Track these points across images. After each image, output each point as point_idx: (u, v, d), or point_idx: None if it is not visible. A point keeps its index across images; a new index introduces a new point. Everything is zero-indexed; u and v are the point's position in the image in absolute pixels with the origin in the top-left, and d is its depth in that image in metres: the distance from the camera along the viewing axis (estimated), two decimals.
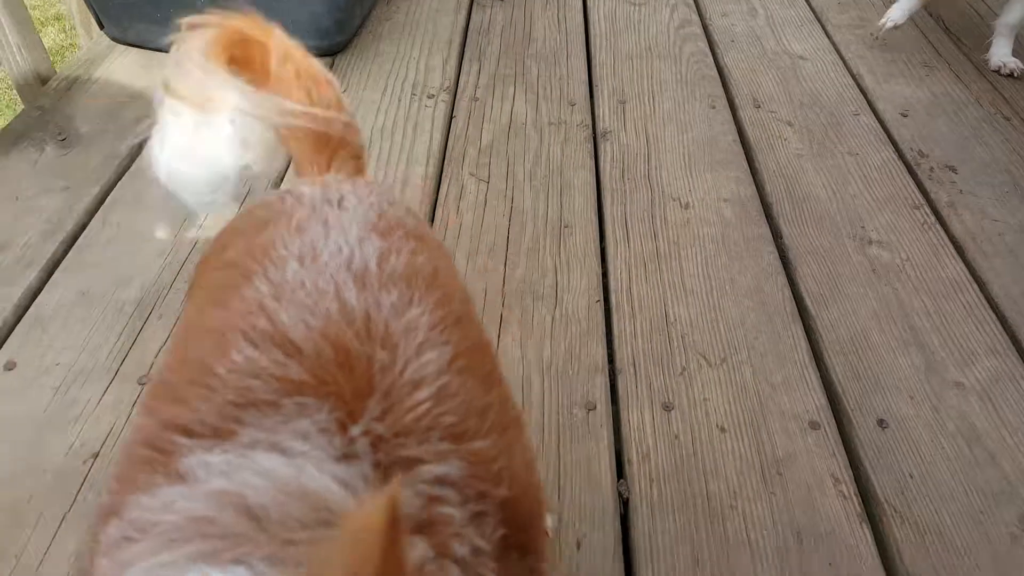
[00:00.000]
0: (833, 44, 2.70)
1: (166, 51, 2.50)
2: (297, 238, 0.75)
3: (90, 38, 2.68)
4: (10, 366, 1.61)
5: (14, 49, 2.38)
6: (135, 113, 2.31)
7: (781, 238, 1.94)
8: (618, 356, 1.65)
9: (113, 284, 1.78)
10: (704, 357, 1.64)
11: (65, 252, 1.87)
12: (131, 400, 1.56)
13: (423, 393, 0.62)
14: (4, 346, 1.65)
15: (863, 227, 1.96)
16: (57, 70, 2.52)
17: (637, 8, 2.91)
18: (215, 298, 0.73)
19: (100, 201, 2.01)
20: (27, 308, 1.73)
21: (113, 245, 1.89)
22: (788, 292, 1.79)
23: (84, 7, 2.61)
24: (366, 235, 0.76)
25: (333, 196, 0.84)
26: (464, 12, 2.85)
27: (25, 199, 2.01)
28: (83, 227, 1.94)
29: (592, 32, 2.76)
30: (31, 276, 1.80)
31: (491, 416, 0.67)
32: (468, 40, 2.70)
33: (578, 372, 1.61)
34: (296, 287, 0.68)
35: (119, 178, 2.08)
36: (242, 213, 0.91)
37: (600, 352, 1.65)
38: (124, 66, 2.52)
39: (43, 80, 2.45)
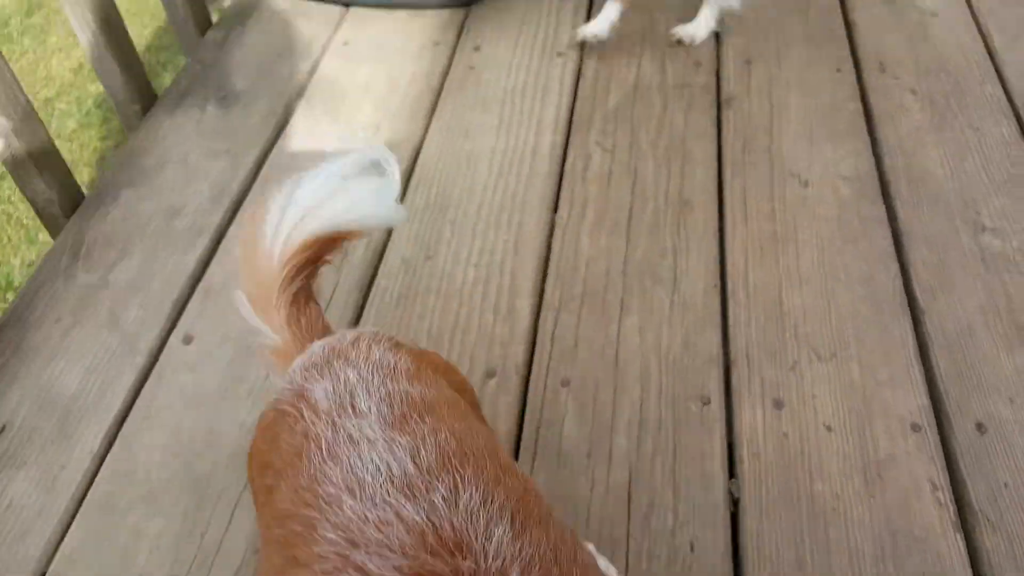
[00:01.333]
0: None
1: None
2: (336, 468, 0.76)
3: None
4: (188, 340, 1.77)
5: (178, 3, 2.47)
6: (287, 67, 2.41)
7: (896, 220, 1.94)
8: (732, 346, 1.71)
9: None
10: (815, 351, 1.69)
11: (230, 220, 2.01)
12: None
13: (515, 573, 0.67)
14: (182, 318, 1.81)
15: (977, 212, 1.95)
16: (213, 20, 2.62)
17: None
18: (289, 556, 0.74)
19: (259, 165, 2.13)
20: (199, 279, 1.88)
21: None
22: (899, 281, 1.81)
23: None
24: (391, 437, 0.78)
25: (344, 397, 0.85)
26: None
27: (192, 162, 2.14)
28: (245, 192, 2.07)
29: None
30: (201, 245, 1.95)
31: (562, 551, 0.73)
32: None
33: (694, 362, 1.68)
34: (362, 525, 0.70)
35: (275, 141, 2.19)
36: (265, 435, 0.92)
37: (715, 341, 1.72)
38: (274, 16, 2.60)
39: (202, 31, 2.54)
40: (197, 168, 2.13)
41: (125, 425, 1.62)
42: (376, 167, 1.09)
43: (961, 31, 2.45)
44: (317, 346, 0.95)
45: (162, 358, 1.74)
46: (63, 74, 3.15)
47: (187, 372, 1.71)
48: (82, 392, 1.67)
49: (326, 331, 1.05)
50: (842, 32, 2.48)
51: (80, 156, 2.81)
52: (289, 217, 1.01)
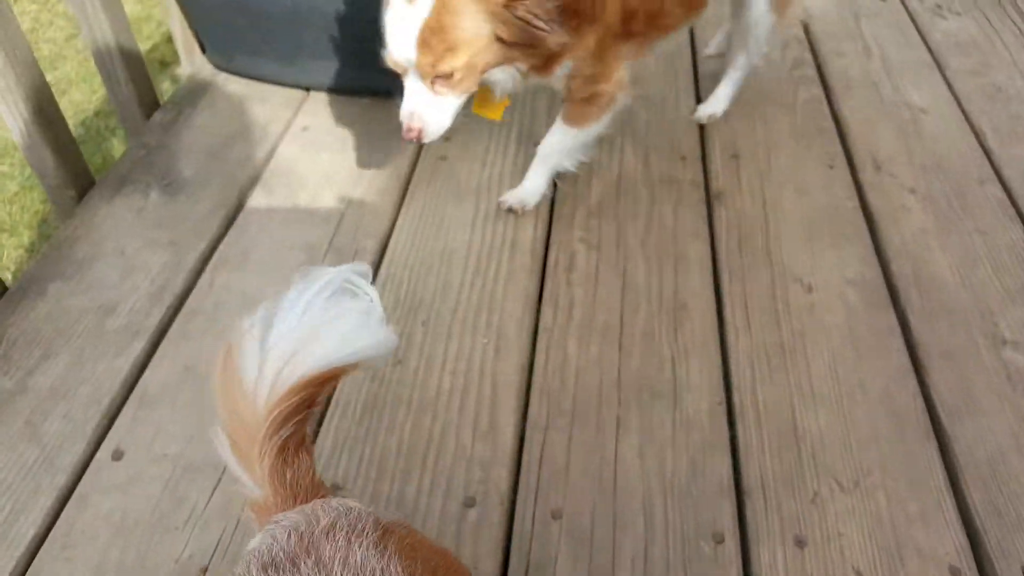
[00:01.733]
0: (954, 94, 2.49)
1: (269, 82, 2.40)
2: None
3: (191, 64, 2.56)
4: (118, 455, 1.52)
5: (121, 82, 2.27)
6: (241, 153, 2.20)
7: (910, 331, 1.78)
8: (745, 474, 1.51)
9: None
10: (836, 480, 1.50)
11: (172, 319, 1.78)
12: (239, 503, 1.46)
13: None
14: (112, 430, 1.57)
15: (995, 323, 1.79)
16: (161, 102, 2.41)
17: None
18: None
19: (206, 259, 1.91)
20: (133, 385, 1.65)
21: (220, 311, 1.79)
22: (920, 401, 1.64)
23: (187, 31, 2.49)
24: None
25: None
26: None
27: (130, 254, 1.92)
28: (189, 289, 1.84)
29: (701, 72, 2.57)
30: (137, 348, 1.71)
31: None
32: None
33: (704, 492, 1.48)
34: None
35: (224, 232, 1.98)
36: None
37: (725, 467, 1.52)
38: (228, 98, 2.41)
39: (147, 113, 2.34)
40: (136, 261, 1.90)
41: (38, 557, 1.37)
42: (351, 286, 0.92)
43: (954, 129, 2.35)
44: (280, 530, 0.73)
45: (86, 477, 1.49)
46: (4, 135, 2.96)
47: (116, 494, 1.46)
48: None
49: (316, 488, 0.85)
50: (831, 127, 2.36)
51: (21, 219, 2.61)
52: (272, 360, 0.83)
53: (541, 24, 1.50)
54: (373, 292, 0.91)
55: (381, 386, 1.64)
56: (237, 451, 0.86)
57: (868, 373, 1.69)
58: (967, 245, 1.98)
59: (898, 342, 1.75)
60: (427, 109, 1.63)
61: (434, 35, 1.50)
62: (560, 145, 1.96)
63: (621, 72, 1.83)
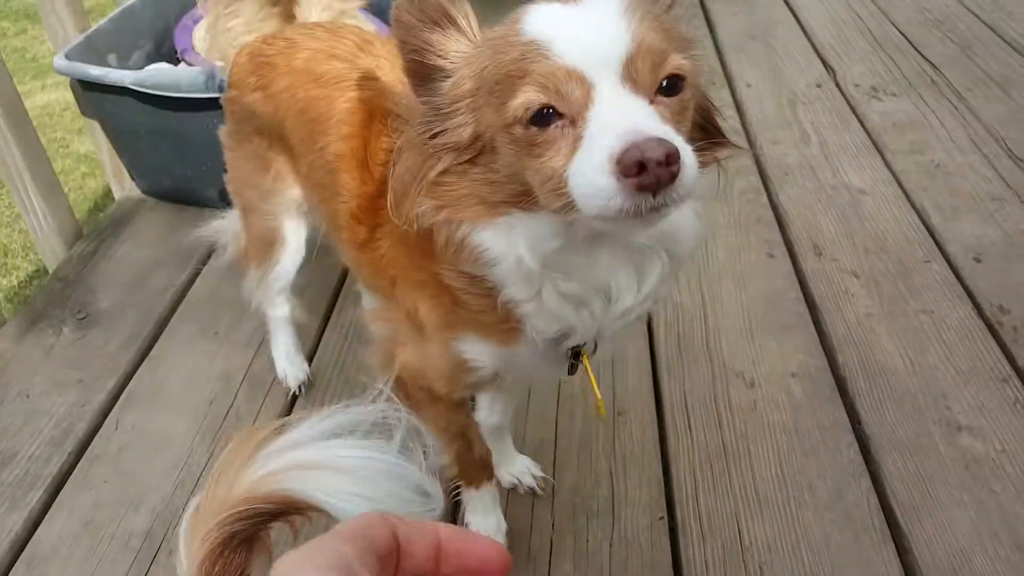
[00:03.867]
0: (893, 174, 2.42)
1: (196, 205, 2.29)
2: None
3: (122, 189, 2.48)
4: None
5: (39, 215, 2.18)
6: (161, 281, 2.10)
7: (860, 424, 1.65)
8: None
9: (121, 508, 1.55)
10: None
11: (72, 466, 1.64)
12: None
13: None
14: None
15: (948, 407, 1.67)
16: (84, 231, 2.32)
17: None
18: None
19: (115, 397, 1.79)
20: (25, 543, 1.50)
21: (124, 454, 1.66)
22: (874, 499, 1.50)
23: (115, 158, 2.41)
24: None
25: None
26: None
27: (35, 397, 1.79)
28: (95, 431, 1.71)
29: None
30: (33, 500, 1.57)
31: None
32: None
33: None
34: None
35: (137, 367, 1.85)
36: None
37: None
38: (153, 224, 2.32)
39: (68, 244, 2.24)
40: (40, 404, 1.77)
41: None
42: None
43: (895, 209, 2.27)
44: None
45: None
46: None
47: None
48: None
49: None
50: (770, 215, 2.27)
51: None
52: (276, 458, 0.70)
53: None
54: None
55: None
56: (195, 521, 0.72)
57: (816, 473, 1.55)
58: (915, 327, 1.87)
59: (848, 436, 1.62)
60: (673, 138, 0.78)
61: (654, 21, 0.85)
62: None
63: None
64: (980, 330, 1.85)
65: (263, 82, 1.34)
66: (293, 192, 1.41)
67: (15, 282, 2.96)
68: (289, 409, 1.75)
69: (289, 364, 1.78)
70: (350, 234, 1.21)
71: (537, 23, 0.82)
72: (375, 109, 1.15)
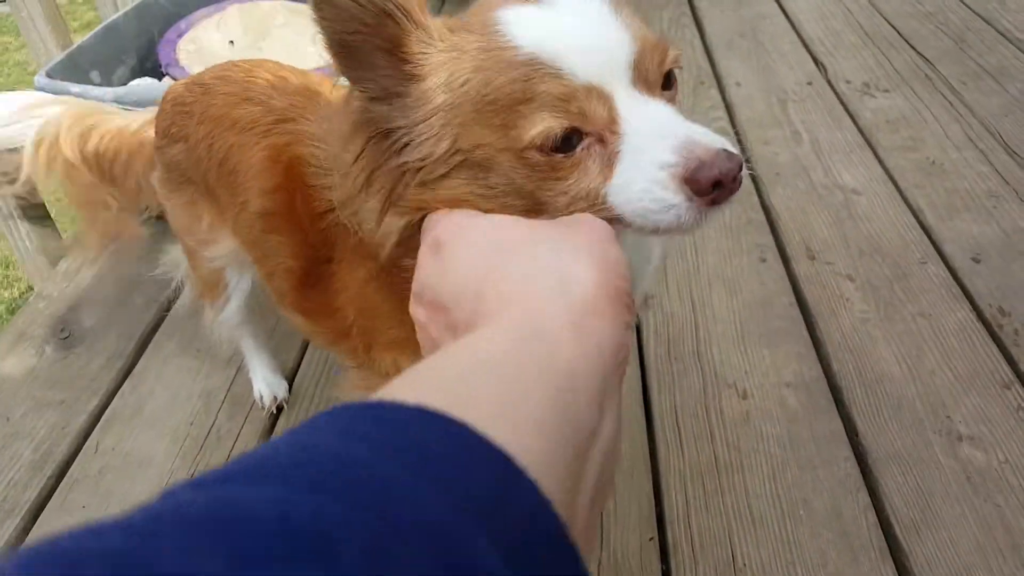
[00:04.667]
0: (887, 172, 2.32)
1: None
2: None
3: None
4: None
5: (23, 235, 2.11)
6: (144, 298, 2.01)
7: (857, 435, 1.56)
8: None
9: None
10: None
11: (52, 490, 1.56)
12: None
13: None
14: None
15: (948, 416, 1.58)
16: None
17: None
18: None
19: (96, 418, 1.70)
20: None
21: (105, 477, 1.58)
22: (872, 515, 1.42)
23: None
24: None
25: None
26: None
27: (16, 420, 1.71)
28: (75, 454, 1.63)
29: None
30: (10, 528, 1.49)
31: None
32: None
33: None
34: None
35: (119, 386, 1.77)
36: None
37: None
38: (137, 240, 2.22)
39: (53, 262, 2.16)
40: (20, 427, 1.69)
41: None
42: None
43: (889, 209, 2.17)
44: None
45: None
46: None
47: None
48: None
49: None
50: (761, 218, 2.18)
51: None
52: None
53: None
54: None
55: None
56: None
57: (812, 488, 1.47)
58: (912, 332, 1.78)
59: (844, 449, 1.54)
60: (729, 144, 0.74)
61: (635, 12, 0.80)
62: None
63: None
64: (980, 333, 1.76)
65: (183, 132, 1.22)
66: (230, 242, 1.27)
67: (16, 294, 2.92)
68: (271, 428, 1.67)
69: (265, 385, 1.70)
70: (296, 302, 1.11)
71: (530, 34, 0.70)
72: (293, 157, 1.03)
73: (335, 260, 0.99)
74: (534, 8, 0.74)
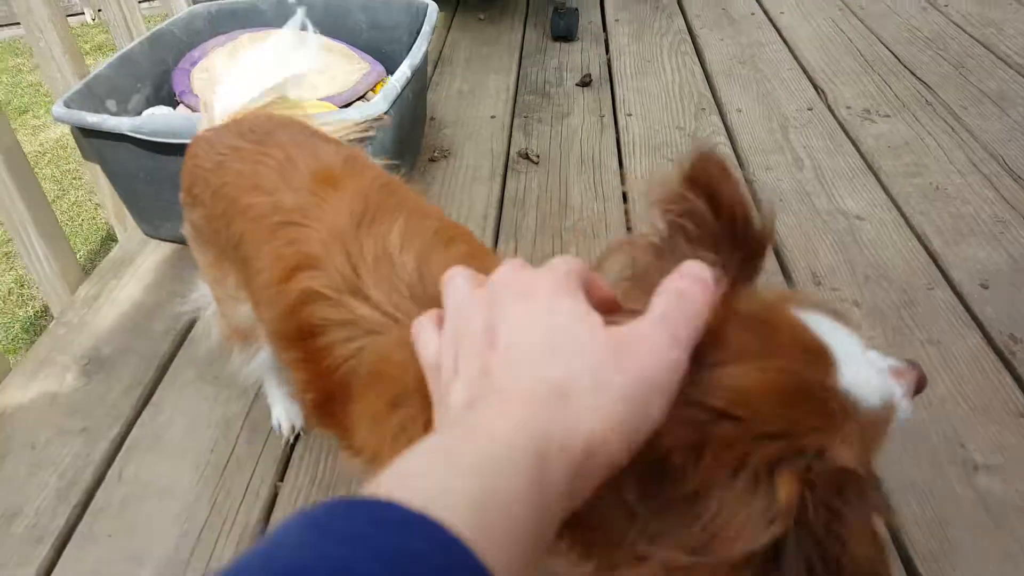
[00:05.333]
0: (891, 198, 2.31)
1: None
2: None
3: (124, 230, 2.38)
4: None
5: (41, 259, 2.08)
6: (163, 324, 2.00)
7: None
8: None
9: (126, 564, 1.45)
10: None
11: (78, 519, 1.54)
12: None
13: None
14: None
15: (963, 445, 1.57)
16: (96, 260, 2.24)
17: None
18: None
19: (118, 446, 1.68)
20: None
21: (128, 506, 1.56)
22: (891, 548, 1.40)
23: (118, 201, 2.31)
24: None
25: None
26: (499, 179, 2.52)
27: (40, 447, 1.69)
28: (99, 482, 1.61)
29: (631, 197, 2.40)
30: (40, 555, 1.47)
31: None
32: (503, 213, 2.36)
33: None
34: None
35: (139, 413, 1.75)
36: None
37: None
38: (155, 266, 2.21)
39: (72, 287, 2.14)
40: (45, 455, 1.67)
41: None
42: None
43: (894, 234, 2.17)
44: None
45: None
46: None
47: None
48: None
49: None
50: None
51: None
52: None
53: None
54: None
55: None
56: None
57: None
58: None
59: None
60: None
61: None
62: None
63: None
64: (991, 361, 1.75)
65: (202, 199, 1.16)
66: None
67: (31, 312, 2.92)
68: (289, 455, 1.65)
69: (284, 414, 1.67)
70: (312, 413, 1.02)
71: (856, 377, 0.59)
72: (288, 268, 0.94)
73: (353, 399, 0.89)
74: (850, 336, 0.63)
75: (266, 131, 1.16)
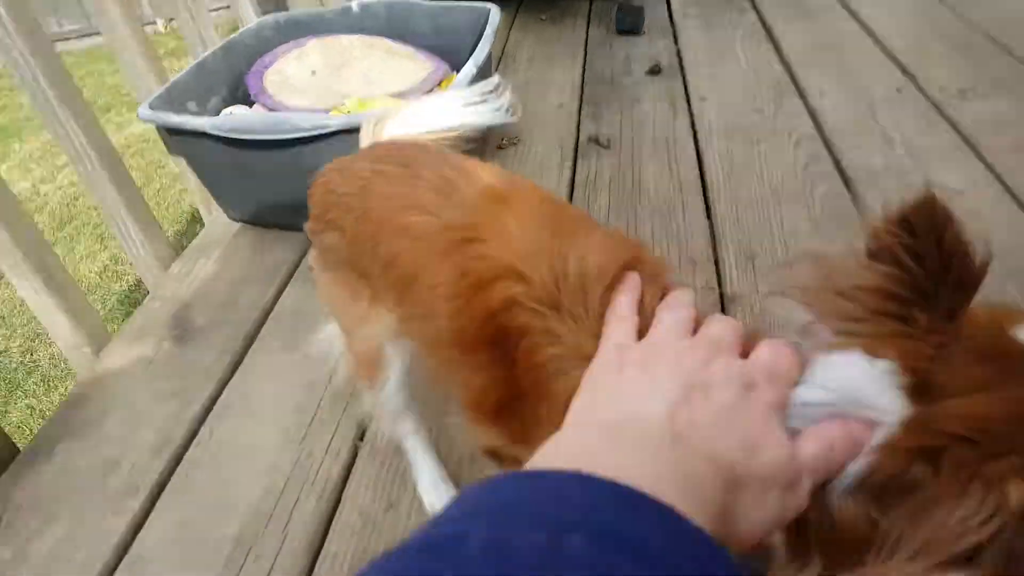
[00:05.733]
0: (994, 173, 2.21)
1: (278, 228, 2.18)
2: None
3: (210, 214, 2.49)
4: None
5: (137, 244, 2.19)
6: (249, 299, 2.05)
7: None
8: None
9: (214, 513, 1.49)
10: None
11: (171, 472, 1.59)
12: None
13: None
14: None
15: None
16: (184, 243, 2.35)
17: (756, 146, 2.49)
18: None
19: (208, 408, 1.73)
20: (127, 548, 1.45)
21: (217, 461, 1.60)
22: None
23: (203, 189, 2.41)
24: None
25: None
26: (569, 164, 2.51)
27: (139, 408, 1.76)
28: (191, 440, 1.66)
29: (708, 177, 2.35)
30: (134, 506, 1.53)
31: None
32: (575, 195, 2.34)
33: None
34: None
35: (229, 378, 1.80)
36: None
37: None
38: (241, 247, 2.29)
39: (165, 266, 2.24)
40: (143, 414, 1.74)
41: None
42: None
43: (997, 207, 2.05)
44: None
45: None
46: (90, 276, 3.40)
47: None
48: None
49: None
50: (855, 218, 2.09)
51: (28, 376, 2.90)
52: None
53: None
54: None
55: (372, 536, 1.40)
56: None
57: None
58: None
59: None
60: None
61: None
62: None
63: None
64: None
65: (340, 223, 1.13)
66: (390, 319, 1.14)
67: (125, 287, 3.07)
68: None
69: (437, 496, 1.47)
70: (478, 419, 0.98)
71: None
72: (484, 280, 0.91)
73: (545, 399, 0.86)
74: None
75: (406, 155, 1.14)
